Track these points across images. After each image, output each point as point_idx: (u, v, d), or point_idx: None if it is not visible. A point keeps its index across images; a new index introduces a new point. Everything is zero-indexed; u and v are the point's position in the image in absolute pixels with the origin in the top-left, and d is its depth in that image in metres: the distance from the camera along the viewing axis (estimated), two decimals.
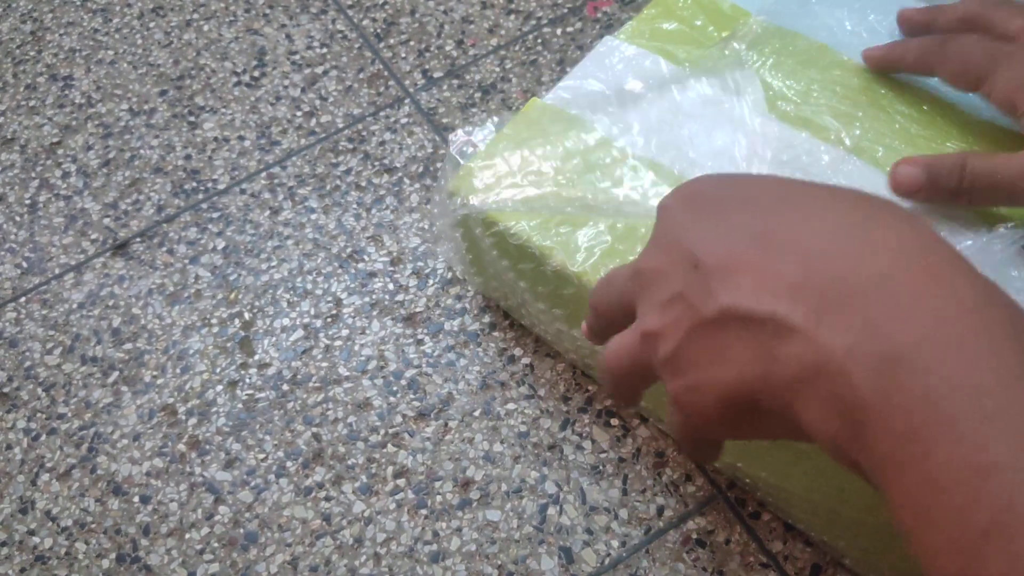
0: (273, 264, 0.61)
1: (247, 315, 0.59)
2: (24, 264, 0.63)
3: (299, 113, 0.68)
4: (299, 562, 0.51)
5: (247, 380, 0.57)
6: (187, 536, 0.52)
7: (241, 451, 0.54)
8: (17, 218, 0.65)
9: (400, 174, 0.64)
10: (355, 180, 0.65)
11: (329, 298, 0.59)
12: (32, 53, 0.74)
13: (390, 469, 0.53)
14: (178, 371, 0.58)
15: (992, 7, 0.44)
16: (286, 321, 0.59)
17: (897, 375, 0.23)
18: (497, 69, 0.69)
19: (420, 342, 0.57)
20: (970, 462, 0.22)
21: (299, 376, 0.57)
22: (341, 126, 0.67)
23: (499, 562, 0.50)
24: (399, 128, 0.67)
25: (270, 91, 0.70)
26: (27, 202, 0.66)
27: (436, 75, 0.69)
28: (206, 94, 0.70)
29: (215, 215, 0.64)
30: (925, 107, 0.46)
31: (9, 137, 0.69)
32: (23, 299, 0.62)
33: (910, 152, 0.45)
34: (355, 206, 0.63)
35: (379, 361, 0.57)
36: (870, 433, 0.24)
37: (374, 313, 0.58)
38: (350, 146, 0.66)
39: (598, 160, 0.47)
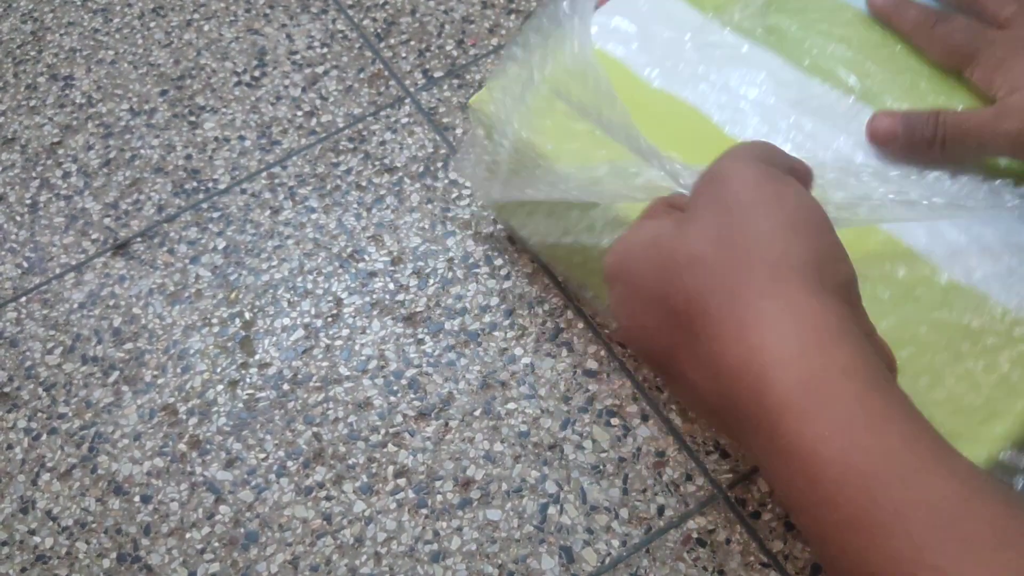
0: (274, 264, 0.61)
1: (248, 315, 0.59)
2: (25, 264, 0.63)
3: (299, 113, 0.68)
4: (300, 562, 0.51)
5: (248, 380, 0.57)
6: (188, 536, 0.52)
7: (242, 451, 0.54)
8: (18, 218, 0.65)
9: (400, 174, 0.64)
10: (355, 180, 0.65)
11: (329, 298, 0.60)
12: (32, 53, 0.74)
13: (391, 469, 0.53)
14: (179, 371, 0.58)
15: None
16: (287, 321, 0.59)
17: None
18: None
19: (420, 342, 0.57)
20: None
21: (300, 376, 0.57)
22: (341, 126, 0.67)
23: (499, 561, 0.50)
24: (399, 128, 0.67)
25: (270, 91, 0.70)
26: (28, 202, 0.66)
27: (436, 75, 0.69)
28: (206, 94, 0.70)
29: (215, 215, 0.64)
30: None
31: (10, 137, 0.69)
32: (24, 299, 0.62)
33: (917, 104, 0.46)
34: (355, 206, 0.63)
35: (379, 361, 0.57)
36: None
37: (374, 313, 0.58)
38: (350, 146, 0.66)
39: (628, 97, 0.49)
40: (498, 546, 0.50)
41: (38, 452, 0.55)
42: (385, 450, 0.54)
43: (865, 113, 0.46)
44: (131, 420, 0.56)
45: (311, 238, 0.62)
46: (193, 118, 0.69)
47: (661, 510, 0.50)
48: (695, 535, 0.50)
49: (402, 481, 0.52)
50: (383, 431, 0.54)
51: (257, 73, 0.71)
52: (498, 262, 0.60)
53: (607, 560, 0.49)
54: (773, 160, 0.33)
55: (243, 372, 0.57)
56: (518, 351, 0.56)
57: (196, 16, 0.75)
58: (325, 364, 0.57)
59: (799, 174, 0.34)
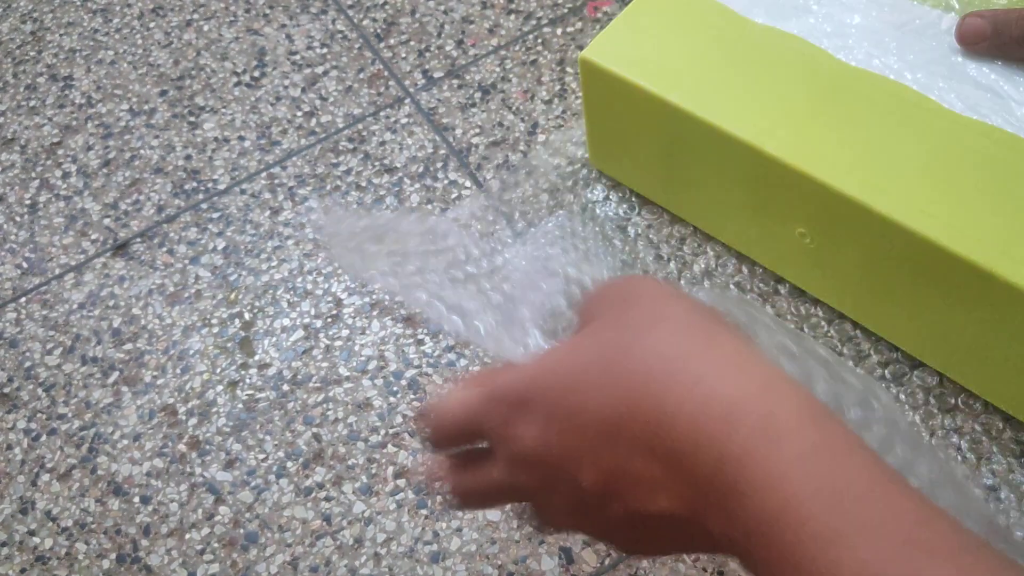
0: (273, 264, 0.61)
1: (247, 315, 0.59)
2: (24, 264, 0.63)
3: (299, 113, 0.68)
4: (299, 562, 0.51)
5: (247, 380, 0.57)
6: (187, 536, 0.52)
7: (241, 451, 0.54)
8: (17, 218, 0.65)
9: (400, 174, 0.64)
10: (355, 180, 0.65)
11: (329, 298, 0.59)
12: (32, 53, 0.74)
13: (390, 469, 0.53)
14: (178, 371, 0.58)
15: None
16: (286, 321, 0.59)
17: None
18: (497, 69, 0.69)
19: (420, 342, 0.57)
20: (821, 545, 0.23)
21: (299, 376, 0.57)
22: (341, 126, 0.67)
23: (499, 562, 0.50)
24: (399, 128, 0.67)
25: (270, 91, 0.70)
26: (27, 202, 0.66)
27: (436, 75, 0.69)
28: (206, 94, 0.70)
29: (215, 215, 0.64)
30: None
31: (9, 137, 0.69)
32: (23, 299, 0.62)
33: None
34: (355, 206, 0.63)
35: (379, 361, 0.57)
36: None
37: (374, 313, 0.58)
38: (350, 146, 0.66)
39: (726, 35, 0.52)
40: (498, 547, 0.50)
41: (38, 453, 0.55)
42: (385, 451, 0.54)
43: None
44: (131, 421, 0.56)
45: (311, 238, 0.62)
46: (193, 118, 0.69)
47: None
48: None
49: (402, 482, 0.52)
50: (383, 432, 0.54)
51: (257, 73, 0.71)
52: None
53: (607, 561, 0.49)
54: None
55: (243, 373, 0.57)
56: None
57: (196, 16, 0.75)
58: (325, 365, 0.57)
59: None
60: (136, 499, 0.53)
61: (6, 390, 0.58)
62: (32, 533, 0.53)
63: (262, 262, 0.62)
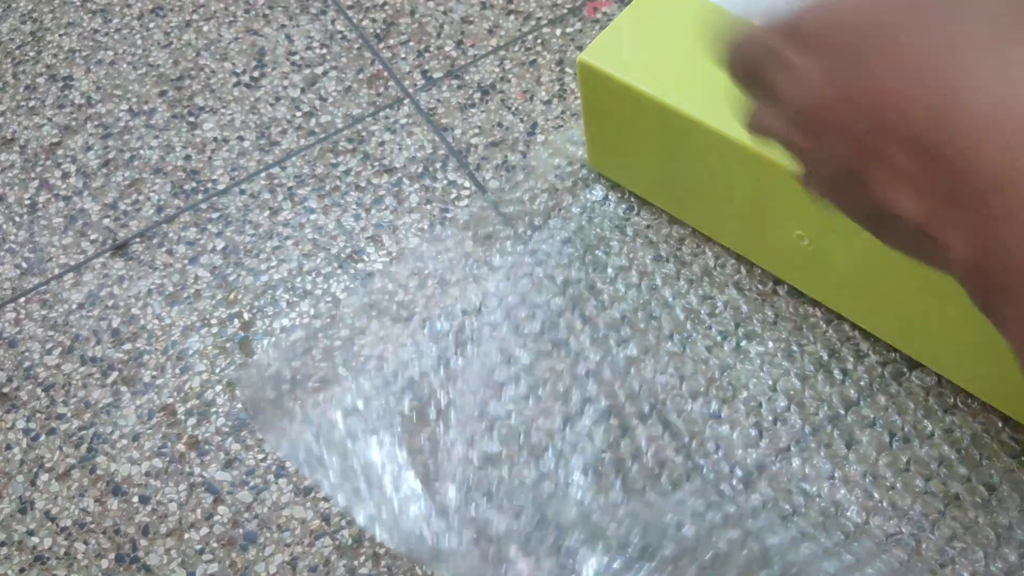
0: (272, 264, 0.61)
1: (246, 315, 0.59)
2: (24, 264, 0.63)
3: (299, 113, 0.68)
4: (298, 562, 0.51)
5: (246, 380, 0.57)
6: (186, 536, 0.52)
7: (240, 451, 0.54)
8: (17, 218, 0.65)
9: (400, 174, 0.64)
10: (355, 180, 0.65)
11: (328, 298, 0.60)
12: (32, 53, 0.74)
13: None
14: (177, 371, 0.58)
15: None
16: (285, 321, 0.59)
17: None
18: (497, 69, 0.69)
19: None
20: None
21: (298, 376, 0.57)
22: (341, 126, 0.67)
23: None
24: (399, 128, 0.67)
25: (270, 91, 0.70)
26: (27, 202, 0.66)
27: (436, 75, 0.69)
28: (206, 94, 0.70)
29: (215, 215, 0.64)
30: None
31: (9, 137, 0.70)
32: (23, 299, 0.62)
33: None
34: (354, 206, 0.63)
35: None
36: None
37: (373, 313, 0.59)
38: (350, 146, 0.66)
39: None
40: None
41: (37, 452, 0.55)
42: None
43: None
44: (130, 420, 0.56)
45: (310, 239, 0.62)
46: (192, 119, 0.69)
47: None
48: None
49: None
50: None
51: (256, 74, 0.71)
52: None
53: None
54: None
55: (242, 373, 0.57)
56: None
57: (195, 17, 0.75)
58: (324, 365, 0.57)
59: None
60: (135, 499, 0.53)
61: (5, 390, 0.58)
62: (31, 533, 0.53)
63: (261, 262, 0.62)
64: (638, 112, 0.52)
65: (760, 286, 0.56)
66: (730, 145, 0.48)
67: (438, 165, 0.65)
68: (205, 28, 0.74)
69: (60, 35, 0.75)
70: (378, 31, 0.72)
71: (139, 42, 0.74)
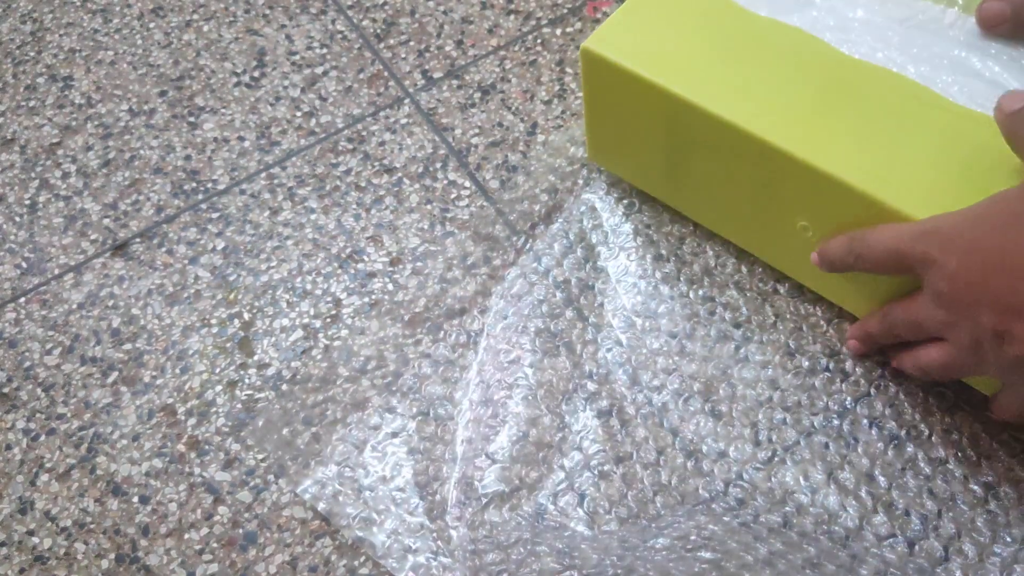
0: (272, 264, 0.61)
1: (246, 315, 0.59)
2: (24, 264, 0.63)
3: (299, 113, 0.68)
4: (298, 562, 0.51)
5: (246, 380, 0.57)
6: (186, 536, 0.52)
7: (240, 451, 0.54)
8: (17, 218, 0.65)
9: (400, 174, 0.64)
10: (355, 180, 0.65)
11: (328, 298, 0.60)
12: (32, 53, 0.74)
13: None
14: (177, 371, 0.58)
15: None
16: (285, 321, 0.59)
17: None
18: (497, 69, 0.69)
19: (419, 342, 0.57)
20: None
21: (298, 376, 0.57)
22: (341, 126, 0.67)
23: None
24: (399, 128, 0.67)
25: (270, 91, 0.70)
26: (27, 202, 0.66)
27: (436, 75, 0.69)
28: (206, 94, 0.70)
29: (215, 215, 0.64)
30: None
31: (9, 137, 0.70)
32: (23, 299, 0.62)
33: None
34: (355, 206, 0.63)
35: (378, 361, 0.57)
36: None
37: (373, 313, 0.58)
38: (350, 146, 0.66)
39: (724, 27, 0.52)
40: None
41: (37, 453, 0.55)
42: None
43: (971, 22, 0.49)
44: (130, 421, 0.56)
45: (310, 239, 0.62)
46: (192, 119, 0.69)
47: None
48: None
49: None
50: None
51: (256, 74, 0.71)
52: (496, 263, 0.60)
53: None
54: None
55: (242, 373, 0.57)
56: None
57: (195, 17, 0.75)
58: (324, 365, 0.57)
59: None
60: (135, 499, 0.53)
61: (5, 390, 0.58)
62: (31, 533, 0.53)
63: (261, 262, 0.62)
64: (642, 101, 0.52)
65: (761, 284, 0.56)
66: (735, 132, 0.48)
67: (438, 165, 0.64)
68: (205, 28, 0.74)
69: (60, 35, 0.75)
70: (378, 31, 0.72)
71: (139, 42, 0.74)
